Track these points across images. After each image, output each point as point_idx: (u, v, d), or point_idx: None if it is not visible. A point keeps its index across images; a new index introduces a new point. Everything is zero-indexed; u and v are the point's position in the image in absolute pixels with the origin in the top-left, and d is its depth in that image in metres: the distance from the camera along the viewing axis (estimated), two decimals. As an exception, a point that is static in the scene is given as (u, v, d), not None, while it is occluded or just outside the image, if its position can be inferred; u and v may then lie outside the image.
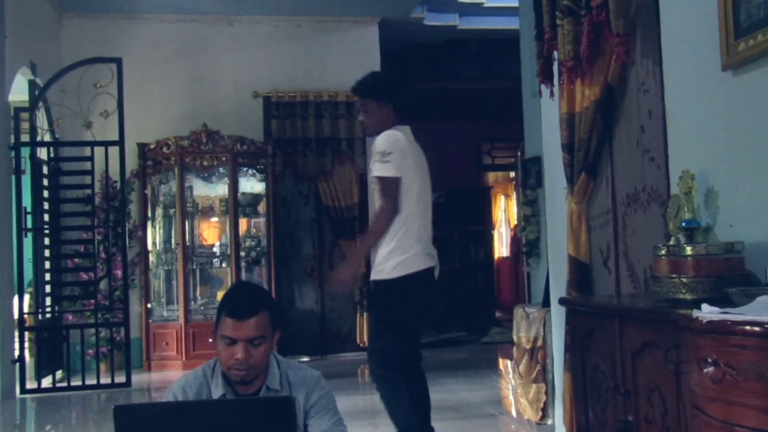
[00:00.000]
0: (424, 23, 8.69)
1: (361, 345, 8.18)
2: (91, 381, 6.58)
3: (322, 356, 8.00)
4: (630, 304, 2.76)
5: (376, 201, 3.86)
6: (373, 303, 3.96)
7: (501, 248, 13.20)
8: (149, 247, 7.88)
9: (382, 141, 3.77)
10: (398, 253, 3.71)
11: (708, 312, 1.91)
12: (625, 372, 2.51)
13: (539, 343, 4.50)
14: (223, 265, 8.01)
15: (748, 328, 1.74)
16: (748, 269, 2.36)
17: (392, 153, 3.72)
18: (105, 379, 6.64)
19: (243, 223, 8.12)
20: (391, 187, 3.73)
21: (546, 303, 4.55)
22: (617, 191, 3.46)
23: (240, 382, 2.36)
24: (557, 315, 4.14)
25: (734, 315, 1.84)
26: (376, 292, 3.81)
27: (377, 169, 3.73)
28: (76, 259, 7.19)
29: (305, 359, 7.65)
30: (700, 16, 2.71)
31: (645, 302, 2.68)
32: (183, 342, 7.52)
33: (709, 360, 1.86)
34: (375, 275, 3.76)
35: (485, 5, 8.39)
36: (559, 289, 4.02)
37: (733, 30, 2.48)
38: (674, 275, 2.39)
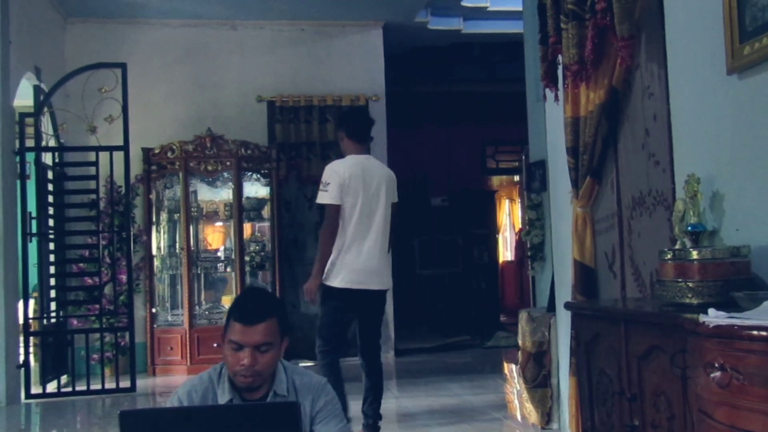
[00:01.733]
0: (428, 27, 8.70)
1: (366, 349, 8.16)
2: (95, 386, 6.58)
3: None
4: (636, 309, 2.75)
5: None
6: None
7: (505, 252, 13.19)
8: (154, 251, 7.88)
9: (324, 172, 4.60)
10: (336, 264, 4.45)
11: (714, 316, 1.90)
12: (631, 376, 2.50)
13: (544, 347, 4.49)
14: (228, 269, 8.01)
15: (754, 332, 1.73)
16: (754, 273, 2.35)
17: (330, 183, 4.47)
18: (110, 384, 6.64)
19: (247, 227, 8.12)
20: (328, 212, 4.49)
21: (551, 307, 4.54)
22: (622, 195, 3.45)
23: (246, 388, 2.35)
24: (562, 319, 4.13)
25: (741, 319, 1.84)
26: (321, 293, 4.56)
27: (318, 197, 4.58)
28: (81, 264, 7.20)
29: (310, 364, 7.63)
30: (704, 19, 2.71)
31: (651, 306, 2.67)
32: (188, 347, 7.52)
33: (716, 364, 1.85)
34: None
35: (489, 9, 8.39)
36: (564, 293, 4.02)
37: (738, 33, 2.47)
38: (680, 279, 2.39)
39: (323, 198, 4.50)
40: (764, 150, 2.44)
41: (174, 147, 7.71)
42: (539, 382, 4.53)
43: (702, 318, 1.93)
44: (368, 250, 4.48)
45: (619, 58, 3.18)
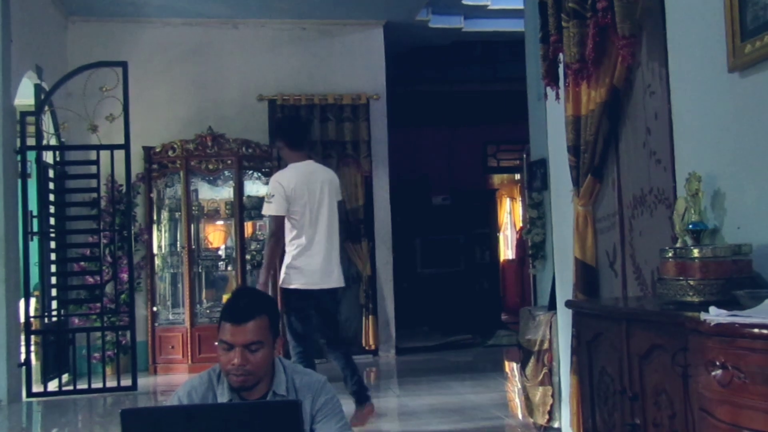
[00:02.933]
0: (429, 26, 8.70)
1: (367, 348, 8.18)
2: (97, 384, 6.59)
3: (327, 359, 7.97)
4: (637, 307, 2.75)
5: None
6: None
7: (506, 251, 13.18)
8: (155, 250, 7.89)
9: (269, 183, 4.87)
10: (293, 268, 4.73)
11: (716, 315, 1.90)
12: (632, 375, 2.50)
13: (545, 345, 4.48)
14: (229, 268, 8.02)
15: (756, 330, 1.73)
16: (755, 271, 2.35)
17: (274, 195, 4.71)
18: (111, 383, 6.64)
19: (248, 226, 8.12)
20: (273, 223, 4.79)
21: (552, 306, 4.53)
22: (623, 193, 3.45)
23: (239, 388, 2.35)
24: (563, 318, 4.13)
25: (742, 318, 1.84)
26: (282, 298, 4.91)
27: (263, 209, 4.88)
28: (82, 263, 7.21)
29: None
30: (706, 17, 2.71)
31: (652, 305, 2.67)
32: (189, 345, 7.53)
33: (717, 363, 1.85)
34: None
35: (490, 8, 8.39)
36: (565, 291, 4.01)
37: (740, 32, 2.47)
38: (681, 278, 2.39)
39: (268, 210, 4.77)
40: (766, 148, 2.44)
41: (175, 146, 7.72)
42: (541, 380, 4.53)
43: (703, 316, 1.93)
44: (320, 251, 4.76)
45: (620, 57, 3.17)
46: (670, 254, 2.48)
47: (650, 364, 2.40)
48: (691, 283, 2.33)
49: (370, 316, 8.16)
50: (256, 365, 2.32)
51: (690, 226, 2.56)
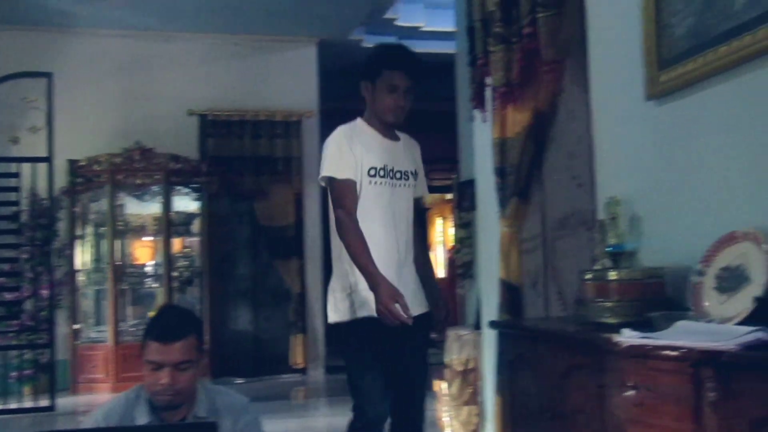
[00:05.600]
0: (362, 45, 8.74)
1: (295, 367, 8.11)
2: (14, 405, 6.36)
3: (255, 378, 7.89)
4: (557, 328, 2.80)
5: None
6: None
7: (438, 270, 13.29)
8: (79, 266, 7.68)
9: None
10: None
11: (628, 336, 1.95)
12: (553, 395, 2.54)
13: (471, 365, 4.52)
14: (156, 284, 7.86)
15: (665, 352, 1.78)
16: (669, 293, 2.42)
17: None
18: (30, 403, 6.42)
19: (177, 242, 7.99)
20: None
21: (478, 325, 4.58)
22: (547, 216, 3.51)
23: (167, 406, 2.31)
24: (488, 337, 4.17)
25: (654, 339, 1.89)
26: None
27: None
28: (1, 278, 6.97)
29: (239, 381, 7.54)
30: (626, 46, 2.79)
31: (571, 326, 2.72)
32: (113, 364, 7.34)
33: (630, 383, 1.90)
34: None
35: (423, 29, 8.48)
36: (490, 311, 4.06)
37: (657, 61, 2.56)
38: (599, 299, 2.44)
39: None
40: (679, 173, 2.52)
41: (101, 159, 7.55)
42: (466, 400, 4.56)
43: (616, 338, 1.97)
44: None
45: (545, 82, 3.25)
46: (590, 276, 2.54)
47: (570, 384, 2.44)
48: (608, 304, 2.38)
49: (299, 334, 8.10)
50: (185, 384, 2.29)
51: (609, 249, 2.62)
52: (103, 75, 7.98)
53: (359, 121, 3.14)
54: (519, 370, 2.85)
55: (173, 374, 2.26)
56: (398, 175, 3.08)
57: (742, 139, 2.25)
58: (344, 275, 2.95)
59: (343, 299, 2.94)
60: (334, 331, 3.01)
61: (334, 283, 3.01)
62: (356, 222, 2.89)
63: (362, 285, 2.85)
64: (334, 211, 2.95)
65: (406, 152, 3.18)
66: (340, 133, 3.05)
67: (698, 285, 2.20)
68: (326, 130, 9.17)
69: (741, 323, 1.95)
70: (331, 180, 2.96)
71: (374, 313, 2.76)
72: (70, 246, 7.61)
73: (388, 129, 3.14)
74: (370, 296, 2.80)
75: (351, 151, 2.97)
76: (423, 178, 3.28)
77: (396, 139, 3.17)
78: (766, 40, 2.09)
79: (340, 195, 2.93)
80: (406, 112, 3.17)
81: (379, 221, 2.97)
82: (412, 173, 3.14)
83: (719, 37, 2.27)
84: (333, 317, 2.99)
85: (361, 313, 2.87)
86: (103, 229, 7.70)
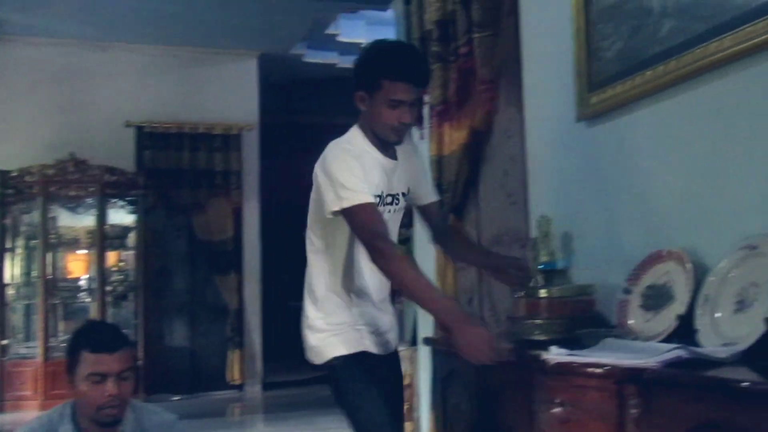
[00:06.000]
0: (303, 60, 8.73)
1: (232, 383, 8.00)
2: (-65, 424, 6.13)
3: (191, 394, 7.75)
4: (490, 344, 2.81)
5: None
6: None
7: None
8: (7, 279, 7.45)
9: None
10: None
11: (556, 354, 1.98)
12: (484, 412, 2.55)
13: (407, 381, 4.52)
14: (89, 299, 7.67)
15: (590, 369, 1.81)
16: (597, 311, 2.47)
17: None
18: (-49, 422, 6.20)
19: (111, 256, 7.81)
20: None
21: (415, 341, 4.59)
22: (483, 233, 3.55)
23: (112, 421, 2.27)
24: (424, 354, 4.19)
25: (580, 357, 1.92)
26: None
27: None
28: (-75, 292, 6.72)
29: (175, 398, 7.40)
30: (558, 68, 2.85)
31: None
32: (42, 381, 7.12)
33: (558, 400, 1.92)
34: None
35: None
36: (426, 327, 4.07)
37: (587, 83, 2.62)
38: (530, 317, 2.47)
39: None
40: (607, 193, 2.58)
41: (33, 170, 7.35)
42: (402, 416, 4.55)
43: (544, 355, 2.00)
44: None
45: (481, 101, 3.30)
46: (521, 293, 2.57)
47: (501, 401, 2.46)
48: (538, 322, 2.42)
49: (236, 350, 7.99)
50: (127, 394, 2.28)
51: (540, 267, 2.66)
52: (37, 84, 7.78)
53: (358, 137, 2.60)
54: (451, 387, 2.87)
55: (118, 383, 2.25)
56: (389, 200, 2.60)
57: (670, 160, 2.32)
58: (330, 311, 2.59)
59: (335, 334, 2.58)
60: (326, 371, 2.65)
61: (316, 321, 2.63)
62: (403, 254, 2.43)
63: (362, 320, 2.57)
64: (367, 243, 2.37)
65: (401, 170, 2.63)
66: (342, 153, 2.55)
67: (624, 303, 2.25)
68: (266, 143, 9.11)
69: (664, 341, 2.00)
70: (351, 207, 2.40)
71: (369, 348, 2.53)
72: (0, 259, 7.38)
73: (388, 146, 2.58)
74: (363, 329, 2.56)
75: (362, 169, 2.48)
76: (428, 181, 2.91)
77: (395, 158, 2.60)
78: (690, 65, 2.16)
79: (370, 221, 2.38)
80: (411, 127, 2.65)
81: (364, 251, 2.42)
82: (403, 194, 2.65)
83: (647, 61, 2.34)
84: (329, 353, 2.60)
85: (359, 348, 2.56)
86: (34, 242, 7.48)
